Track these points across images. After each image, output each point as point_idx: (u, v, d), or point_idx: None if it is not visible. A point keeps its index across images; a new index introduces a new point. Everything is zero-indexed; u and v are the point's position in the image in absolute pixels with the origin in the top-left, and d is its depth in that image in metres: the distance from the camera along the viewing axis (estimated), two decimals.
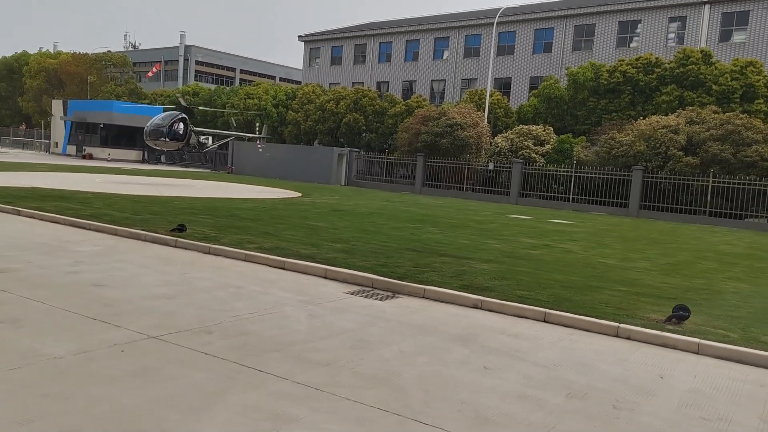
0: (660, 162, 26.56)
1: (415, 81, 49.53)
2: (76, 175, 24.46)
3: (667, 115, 28.92)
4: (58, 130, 49.40)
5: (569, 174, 29.15)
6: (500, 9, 41.22)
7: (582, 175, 28.68)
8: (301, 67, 58.89)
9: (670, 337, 6.06)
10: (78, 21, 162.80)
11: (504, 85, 44.54)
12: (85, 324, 5.29)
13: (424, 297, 7.49)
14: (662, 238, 16.74)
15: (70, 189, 17.23)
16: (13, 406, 3.58)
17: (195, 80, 70.82)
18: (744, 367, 5.53)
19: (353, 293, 7.49)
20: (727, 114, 26.77)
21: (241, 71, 78.60)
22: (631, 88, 32.49)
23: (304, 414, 3.80)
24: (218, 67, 77.41)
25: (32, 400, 3.67)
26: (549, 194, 29.76)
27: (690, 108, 28.75)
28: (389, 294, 7.61)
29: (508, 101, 40.37)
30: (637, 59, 33.08)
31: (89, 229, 10.59)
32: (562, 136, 31.33)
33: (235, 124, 37.89)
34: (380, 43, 52.03)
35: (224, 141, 33.09)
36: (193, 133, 24.09)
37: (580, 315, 6.65)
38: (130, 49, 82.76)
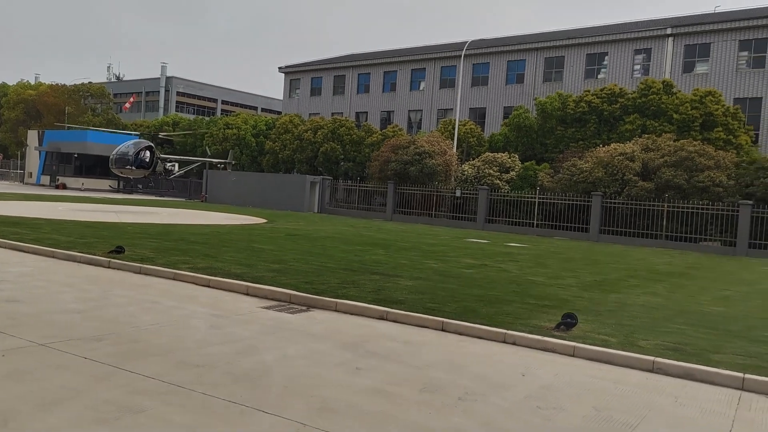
0: (618, 188, 27.31)
1: (393, 111, 50.57)
2: (42, 204, 24.60)
3: (627, 143, 29.83)
4: (33, 160, 49.59)
5: (533, 200, 29.80)
6: (466, 42, 42.42)
7: (545, 201, 29.34)
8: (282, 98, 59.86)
9: (549, 341, 6.43)
10: (62, 52, 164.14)
11: (479, 115, 45.67)
12: None
13: (335, 310, 7.81)
14: (606, 259, 17.23)
15: (26, 216, 17.42)
16: None
17: (176, 111, 71.54)
18: (610, 367, 5.90)
19: (268, 307, 7.79)
20: (681, 141, 27.71)
21: (223, 102, 79.55)
22: (596, 118, 33.52)
23: (154, 406, 4.09)
24: (200, 98, 78.30)
25: None
26: (514, 220, 30.34)
27: (646, 135, 29.73)
28: (303, 308, 7.91)
29: (482, 130, 41.35)
30: (601, 90, 34.23)
31: (27, 252, 10.82)
32: (527, 164, 32.12)
33: (210, 153, 38.32)
34: (359, 74, 53.20)
35: (190, 167, 33.40)
36: (159, 161, 24.42)
37: (474, 323, 7.00)
38: (113, 80, 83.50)
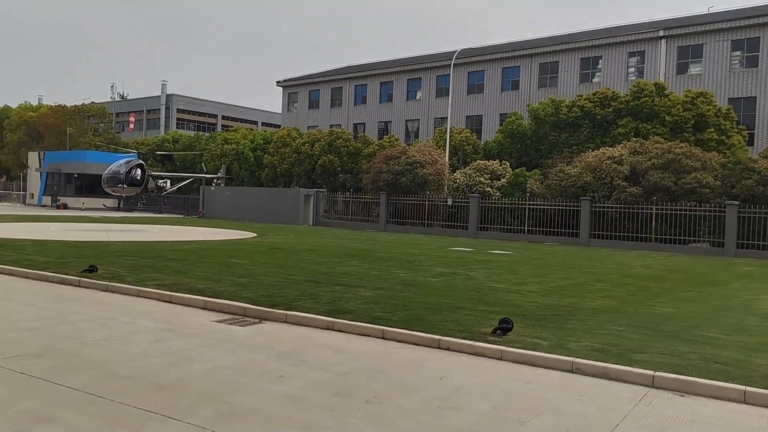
0: (606, 192, 27.46)
1: (390, 121, 51.03)
2: (36, 224, 25.11)
3: (616, 146, 29.98)
4: (34, 181, 50.47)
5: (523, 206, 29.99)
6: (456, 51, 42.81)
7: (535, 206, 29.52)
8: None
9: (480, 346, 6.66)
10: (65, 73, 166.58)
11: (476, 123, 46.02)
12: None
13: (285, 322, 8.08)
14: (584, 264, 17.39)
15: (14, 237, 17.87)
16: None
17: (177, 128, 72.46)
18: (532, 369, 6.12)
19: (221, 321, 8.07)
20: (668, 143, 27.85)
21: (223, 117, 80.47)
22: (589, 122, 33.72)
23: (67, 416, 4.37)
24: (200, 114, 79.28)
25: None
26: (506, 227, 30.51)
27: (635, 139, 29.88)
28: (255, 321, 8.19)
29: (478, 138, 41.64)
30: (594, 94, 34.46)
31: (2, 273, 11.18)
32: (517, 170, 32.34)
33: (206, 169, 38.84)
34: (356, 85, 53.80)
35: (183, 183, 33.90)
36: (150, 178, 24.89)
37: (412, 331, 7.25)
38: (118, 99, 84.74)
